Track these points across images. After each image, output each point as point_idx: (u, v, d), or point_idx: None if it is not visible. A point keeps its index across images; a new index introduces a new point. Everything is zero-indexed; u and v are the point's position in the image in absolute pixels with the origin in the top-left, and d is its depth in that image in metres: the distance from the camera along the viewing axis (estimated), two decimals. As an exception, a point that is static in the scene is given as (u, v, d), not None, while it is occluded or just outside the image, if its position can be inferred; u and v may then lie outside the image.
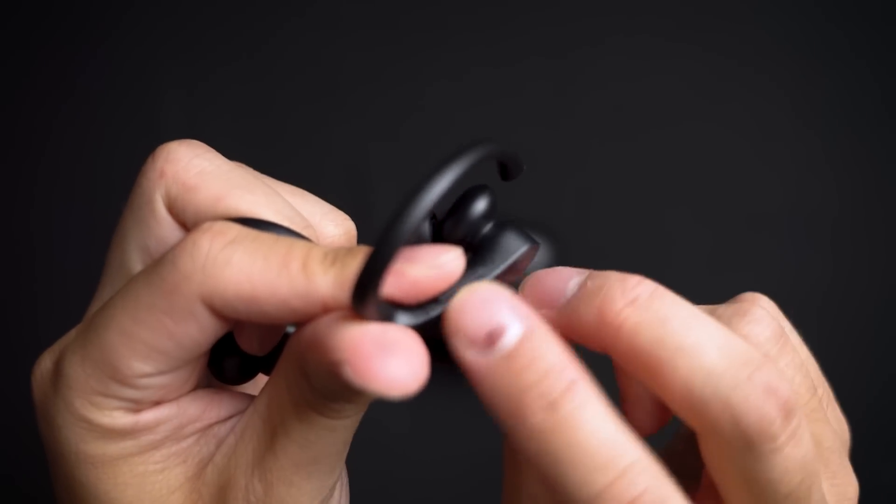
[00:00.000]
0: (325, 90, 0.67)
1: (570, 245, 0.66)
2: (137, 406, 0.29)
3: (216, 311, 0.27)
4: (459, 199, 0.29)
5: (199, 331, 0.28)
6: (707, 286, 0.66)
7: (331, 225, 0.34)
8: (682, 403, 0.27)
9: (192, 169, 0.31)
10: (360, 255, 0.27)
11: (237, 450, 0.30)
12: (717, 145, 0.67)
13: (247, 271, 0.27)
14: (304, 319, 0.28)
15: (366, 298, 0.25)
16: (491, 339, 0.26)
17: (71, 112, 0.67)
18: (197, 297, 0.27)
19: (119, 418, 0.29)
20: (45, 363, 0.30)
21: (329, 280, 0.27)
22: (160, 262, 0.28)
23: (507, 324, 0.25)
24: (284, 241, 0.28)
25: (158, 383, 0.29)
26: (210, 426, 0.31)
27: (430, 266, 0.26)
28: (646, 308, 0.27)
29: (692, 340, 0.27)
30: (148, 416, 0.30)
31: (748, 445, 0.26)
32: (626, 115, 0.67)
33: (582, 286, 0.28)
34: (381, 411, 0.65)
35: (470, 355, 0.26)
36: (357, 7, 0.68)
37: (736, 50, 0.67)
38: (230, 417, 0.32)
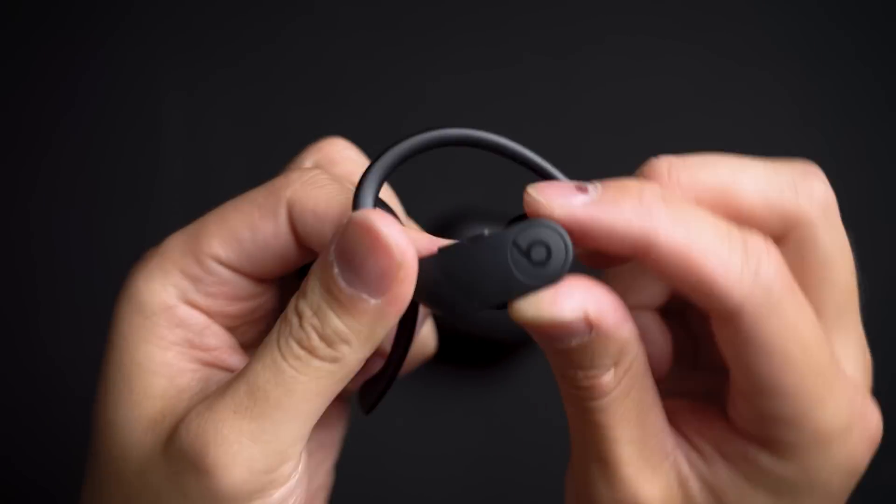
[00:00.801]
0: (326, 91, 0.67)
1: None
2: (186, 297, 0.33)
3: (293, 218, 0.32)
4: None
5: (274, 234, 0.32)
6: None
7: None
8: (764, 209, 0.30)
9: (342, 152, 0.38)
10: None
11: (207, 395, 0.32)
12: (717, 146, 0.67)
13: (330, 197, 0.32)
14: None
15: (361, 189, 0.31)
16: (581, 190, 0.29)
17: (71, 113, 0.67)
18: (285, 201, 0.32)
19: (168, 295, 0.33)
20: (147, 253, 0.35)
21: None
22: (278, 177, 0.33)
23: (581, 183, 0.30)
24: None
25: (222, 276, 0.33)
26: (211, 365, 0.34)
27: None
28: (685, 162, 0.31)
29: (740, 163, 0.31)
30: (183, 309, 0.33)
31: (826, 215, 0.31)
32: (625, 115, 0.67)
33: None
34: (377, 409, 0.65)
35: (580, 210, 0.29)
36: (358, 8, 0.68)
37: (736, 49, 0.67)
38: (232, 373, 0.34)
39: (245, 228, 0.32)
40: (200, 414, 0.30)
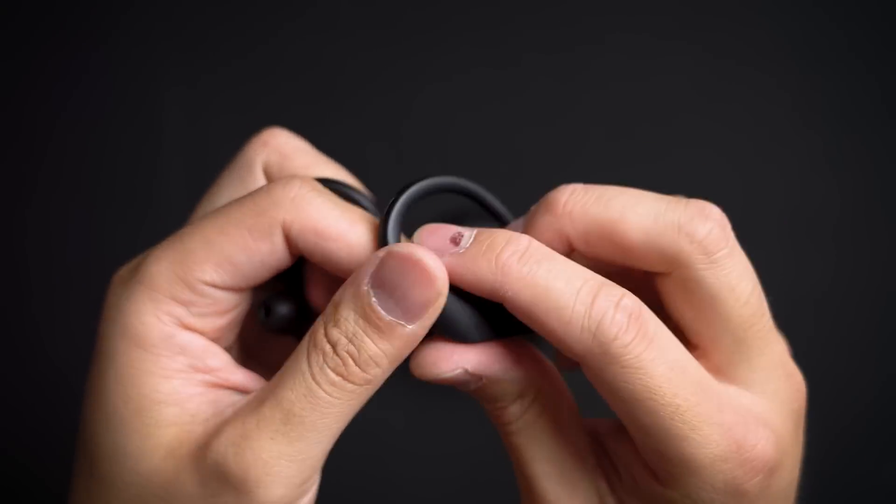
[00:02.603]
0: (325, 90, 0.67)
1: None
2: (182, 322, 0.34)
3: (290, 238, 0.33)
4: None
5: (270, 253, 0.33)
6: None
7: None
8: (644, 246, 0.32)
9: (290, 144, 0.38)
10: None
11: (230, 419, 0.33)
12: (717, 145, 0.67)
13: (325, 213, 0.33)
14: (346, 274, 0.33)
15: (387, 220, 0.33)
16: (455, 241, 0.32)
17: (72, 111, 0.67)
18: (279, 222, 0.33)
19: (165, 324, 0.33)
20: (122, 271, 0.35)
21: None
22: (254, 192, 0.34)
23: (461, 230, 0.32)
24: (355, 208, 0.34)
25: (215, 297, 0.34)
26: (217, 386, 0.34)
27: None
28: (584, 194, 0.33)
29: (635, 199, 0.32)
30: (183, 336, 0.34)
31: (708, 255, 0.32)
32: (625, 115, 0.67)
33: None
34: (378, 409, 0.65)
35: (446, 259, 0.32)
36: (356, 8, 0.68)
37: (736, 49, 0.67)
38: (237, 391, 0.35)
39: (240, 252, 0.33)
40: (236, 443, 0.31)
